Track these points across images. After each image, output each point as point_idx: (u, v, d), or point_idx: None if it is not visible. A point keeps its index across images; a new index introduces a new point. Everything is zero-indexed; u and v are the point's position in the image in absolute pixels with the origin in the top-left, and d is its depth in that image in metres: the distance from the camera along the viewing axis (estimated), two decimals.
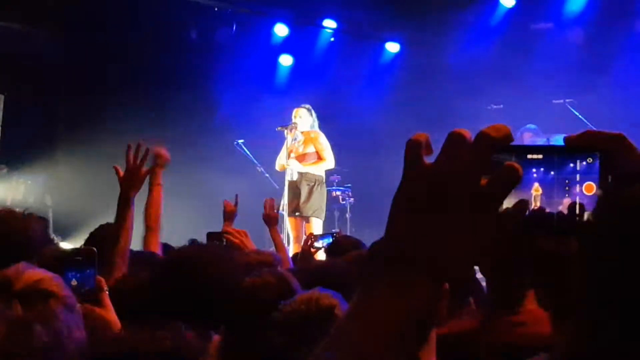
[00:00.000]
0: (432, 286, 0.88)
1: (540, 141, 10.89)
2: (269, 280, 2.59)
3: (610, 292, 0.81)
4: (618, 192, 0.85)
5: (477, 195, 0.88)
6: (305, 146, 9.96)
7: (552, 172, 0.99)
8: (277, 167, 10.13)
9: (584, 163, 0.99)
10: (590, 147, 0.99)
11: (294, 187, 9.86)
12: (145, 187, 4.46)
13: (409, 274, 0.87)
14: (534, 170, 0.98)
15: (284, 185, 10.01)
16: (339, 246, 4.83)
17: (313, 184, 9.89)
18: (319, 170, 10.03)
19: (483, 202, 0.88)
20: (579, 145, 0.99)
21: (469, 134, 0.91)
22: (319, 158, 10.00)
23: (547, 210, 0.96)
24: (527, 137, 11.04)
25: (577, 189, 0.98)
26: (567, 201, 0.97)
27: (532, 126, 11.12)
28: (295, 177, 9.84)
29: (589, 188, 0.98)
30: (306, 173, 9.91)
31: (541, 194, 0.96)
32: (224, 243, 4.49)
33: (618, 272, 0.80)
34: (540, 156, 0.98)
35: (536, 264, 1.64)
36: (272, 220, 5.68)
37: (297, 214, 9.84)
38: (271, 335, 2.05)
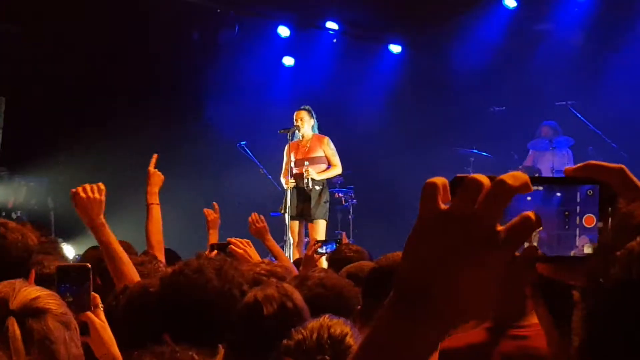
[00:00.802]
0: (443, 329, 0.91)
1: (562, 139, 10.91)
2: (271, 294, 2.60)
3: (603, 348, 0.82)
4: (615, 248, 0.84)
5: (493, 243, 0.89)
6: (314, 149, 9.98)
7: (552, 204, 0.98)
8: (285, 183, 10.04)
9: (585, 195, 0.98)
10: (590, 179, 0.99)
11: (303, 192, 9.87)
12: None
13: (432, 312, 0.90)
14: (531, 200, 0.97)
15: (287, 190, 10.00)
16: (341, 256, 4.83)
17: (321, 187, 9.94)
18: (332, 176, 10.12)
19: (498, 250, 0.89)
20: (579, 177, 0.99)
21: (487, 180, 0.91)
22: (330, 164, 10.03)
23: (546, 241, 0.97)
24: (545, 131, 11.06)
25: (577, 221, 0.98)
26: (584, 240, 0.98)
27: (551, 122, 11.13)
28: (310, 184, 9.84)
29: (589, 220, 0.98)
30: (299, 175, 9.93)
31: (538, 230, 0.96)
32: (228, 253, 4.48)
33: (610, 330, 0.82)
34: (540, 188, 0.98)
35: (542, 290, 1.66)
36: (263, 232, 5.67)
37: (306, 217, 9.86)
38: None
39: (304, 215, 9.86)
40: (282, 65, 13.43)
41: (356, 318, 2.95)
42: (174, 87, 12.54)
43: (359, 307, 3.12)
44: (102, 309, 2.64)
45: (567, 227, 0.98)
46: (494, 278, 0.90)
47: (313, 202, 9.85)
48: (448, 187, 0.93)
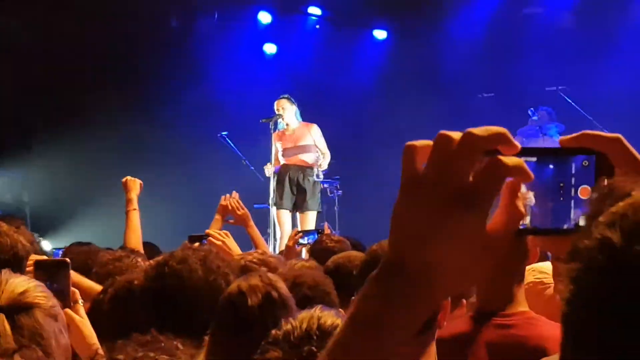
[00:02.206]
0: (431, 299, 0.89)
1: (552, 125, 10.96)
2: (255, 284, 2.63)
3: (586, 332, 0.81)
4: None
5: (463, 201, 0.86)
6: (303, 137, 10.01)
7: (546, 176, 0.97)
8: (268, 173, 10.05)
9: (580, 166, 0.97)
10: (586, 149, 0.97)
11: (297, 182, 9.92)
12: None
13: (408, 287, 0.88)
14: None
15: (270, 178, 10.03)
16: (322, 247, 4.84)
17: (313, 178, 10.01)
18: (325, 165, 10.16)
19: (470, 208, 0.86)
20: (575, 147, 0.98)
21: (457, 135, 0.87)
22: (320, 152, 10.08)
23: (539, 214, 0.96)
24: (541, 115, 11.09)
25: (572, 192, 0.97)
26: (578, 213, 0.96)
27: (547, 108, 11.16)
28: (314, 177, 9.91)
29: (585, 192, 0.96)
30: (307, 168, 9.97)
31: (529, 204, 0.95)
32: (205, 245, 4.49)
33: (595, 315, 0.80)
34: (534, 159, 0.95)
35: None
36: (245, 218, 5.53)
37: (300, 208, 9.91)
38: (269, 354, 2.08)
39: (298, 206, 9.92)
40: (264, 52, 13.42)
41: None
42: (151, 76, 12.48)
43: (353, 297, 3.14)
44: (81, 304, 2.66)
45: (561, 198, 0.97)
46: (472, 244, 0.87)
47: (309, 193, 9.92)
48: (428, 150, 0.89)
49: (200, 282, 2.75)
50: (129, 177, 5.22)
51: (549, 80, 11.37)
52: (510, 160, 0.88)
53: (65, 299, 2.57)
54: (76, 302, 2.62)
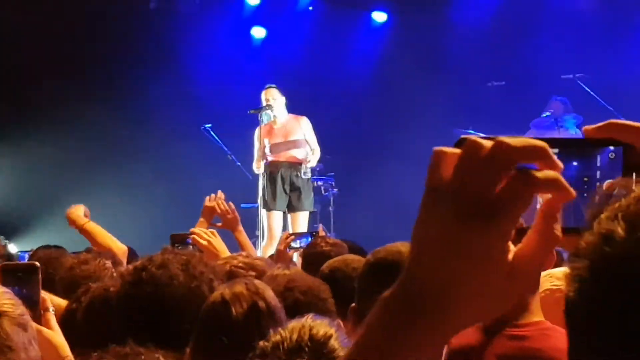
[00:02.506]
0: (444, 334, 0.89)
1: (568, 117, 10.97)
2: (240, 292, 2.63)
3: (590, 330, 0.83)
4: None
5: (485, 212, 0.85)
6: (293, 131, 9.99)
7: (569, 170, 0.95)
8: (256, 168, 10.08)
9: (606, 159, 0.96)
10: (612, 140, 0.96)
11: (290, 181, 9.92)
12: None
13: (420, 319, 0.87)
14: None
15: (259, 176, 10.03)
16: (317, 250, 4.84)
17: (309, 175, 10.02)
18: (314, 162, 10.16)
19: (492, 219, 0.85)
20: (600, 138, 0.96)
21: (489, 144, 0.86)
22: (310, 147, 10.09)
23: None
24: (555, 106, 11.11)
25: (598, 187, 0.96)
26: None
27: (562, 97, 11.17)
28: (308, 174, 9.92)
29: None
30: (299, 165, 9.96)
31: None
32: (190, 246, 4.49)
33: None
34: (555, 151, 0.92)
35: None
36: (234, 223, 5.49)
37: (294, 208, 9.93)
38: None
39: (292, 206, 9.92)
40: (252, 37, 13.40)
41: (350, 315, 2.99)
42: (125, 63, 12.45)
43: (353, 304, 3.15)
44: (52, 312, 2.67)
45: (585, 194, 0.96)
46: (493, 266, 0.86)
47: (304, 192, 9.93)
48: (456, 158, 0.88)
49: (181, 289, 2.76)
50: (69, 211, 5.49)
51: (565, 68, 11.37)
52: (544, 173, 0.86)
53: (34, 307, 2.57)
54: (47, 310, 2.63)
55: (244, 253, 4.13)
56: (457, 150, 0.88)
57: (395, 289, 0.89)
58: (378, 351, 0.88)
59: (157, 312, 2.73)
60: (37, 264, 2.67)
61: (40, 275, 2.63)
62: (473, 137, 0.87)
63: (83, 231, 5.29)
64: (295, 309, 2.72)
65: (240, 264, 3.56)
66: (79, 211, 5.42)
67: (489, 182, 0.85)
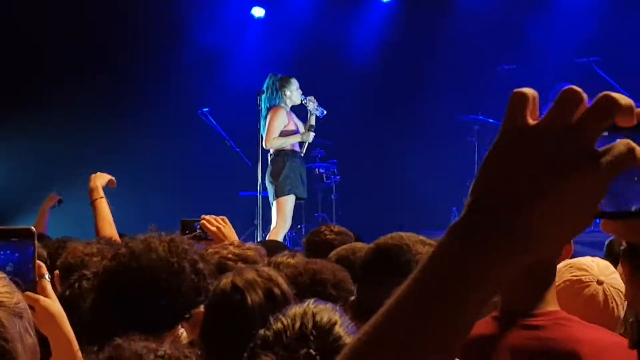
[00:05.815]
0: (516, 259, 0.92)
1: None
2: (253, 279, 2.64)
3: None
4: None
5: (590, 162, 0.90)
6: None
7: None
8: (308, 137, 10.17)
9: None
10: None
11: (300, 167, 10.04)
12: None
13: (497, 241, 0.91)
14: None
15: (269, 159, 9.99)
16: (321, 239, 4.83)
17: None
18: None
19: (595, 171, 0.90)
20: None
21: (585, 95, 0.93)
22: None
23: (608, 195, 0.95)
24: None
25: None
26: None
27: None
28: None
29: None
30: (298, 152, 10.01)
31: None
32: (198, 232, 4.52)
33: None
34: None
35: None
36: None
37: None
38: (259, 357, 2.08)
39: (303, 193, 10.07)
40: (251, 17, 13.37)
41: (347, 309, 3.00)
42: (117, 45, 12.45)
43: (352, 298, 3.15)
44: (48, 279, 2.67)
45: (636, 178, 0.96)
46: (586, 205, 0.91)
47: (305, 179, 10.04)
48: (537, 102, 0.96)
49: (159, 261, 2.72)
50: (93, 175, 5.35)
51: (580, 51, 11.36)
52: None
53: (30, 273, 2.57)
54: (42, 276, 2.63)
55: (235, 242, 4.12)
56: (535, 93, 0.96)
57: (467, 219, 0.93)
58: (459, 264, 0.92)
59: (132, 283, 2.71)
60: (33, 228, 2.67)
61: (35, 240, 2.63)
62: (569, 86, 0.94)
63: (93, 205, 5.18)
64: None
65: (229, 255, 3.55)
66: (102, 180, 5.28)
67: (595, 131, 0.91)
